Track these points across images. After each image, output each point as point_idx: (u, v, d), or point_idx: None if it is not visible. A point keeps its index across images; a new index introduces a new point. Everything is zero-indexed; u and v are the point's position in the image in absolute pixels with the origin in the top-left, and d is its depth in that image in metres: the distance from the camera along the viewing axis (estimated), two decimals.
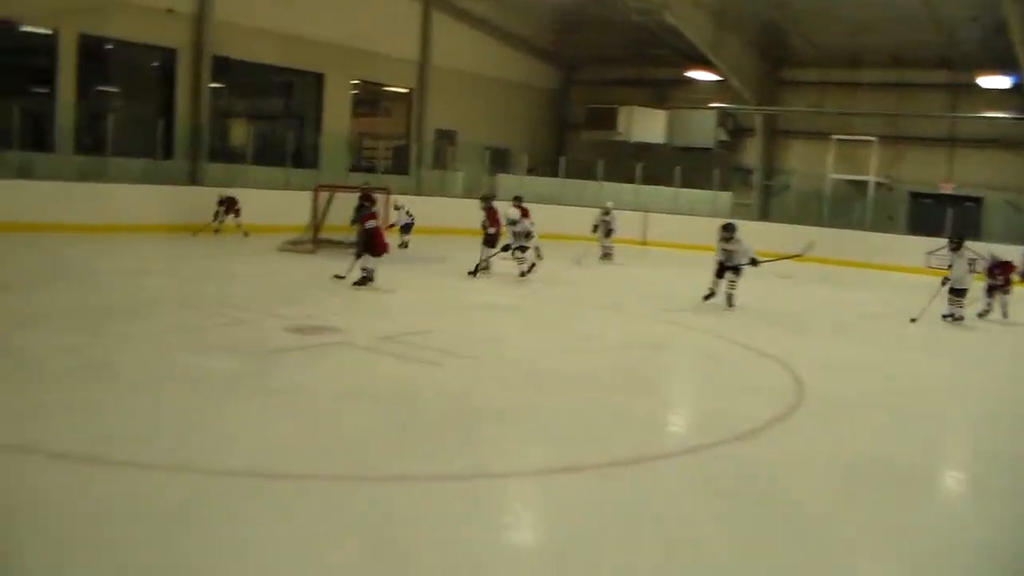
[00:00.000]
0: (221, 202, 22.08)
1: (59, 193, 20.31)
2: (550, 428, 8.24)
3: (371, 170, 29.61)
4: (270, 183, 24.66)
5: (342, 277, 15.10)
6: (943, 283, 16.14)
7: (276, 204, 23.18)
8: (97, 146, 23.01)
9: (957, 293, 16.00)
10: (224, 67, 26.25)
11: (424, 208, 24.19)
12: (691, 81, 34.08)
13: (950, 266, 16.26)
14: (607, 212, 23.49)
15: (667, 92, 35.42)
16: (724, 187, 30.86)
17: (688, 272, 19.86)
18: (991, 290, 17.04)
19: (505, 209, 18.12)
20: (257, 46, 26.44)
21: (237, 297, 13.61)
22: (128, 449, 6.72)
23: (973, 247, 17.83)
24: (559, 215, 26.44)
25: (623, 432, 8.27)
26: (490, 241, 18.45)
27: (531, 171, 31.74)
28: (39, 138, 22.12)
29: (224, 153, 26.93)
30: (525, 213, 18.12)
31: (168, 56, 25.12)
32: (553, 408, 8.86)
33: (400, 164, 31.92)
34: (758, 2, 28.77)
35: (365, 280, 15.03)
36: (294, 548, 5.37)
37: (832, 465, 7.72)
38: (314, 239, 19.68)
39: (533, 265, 17.86)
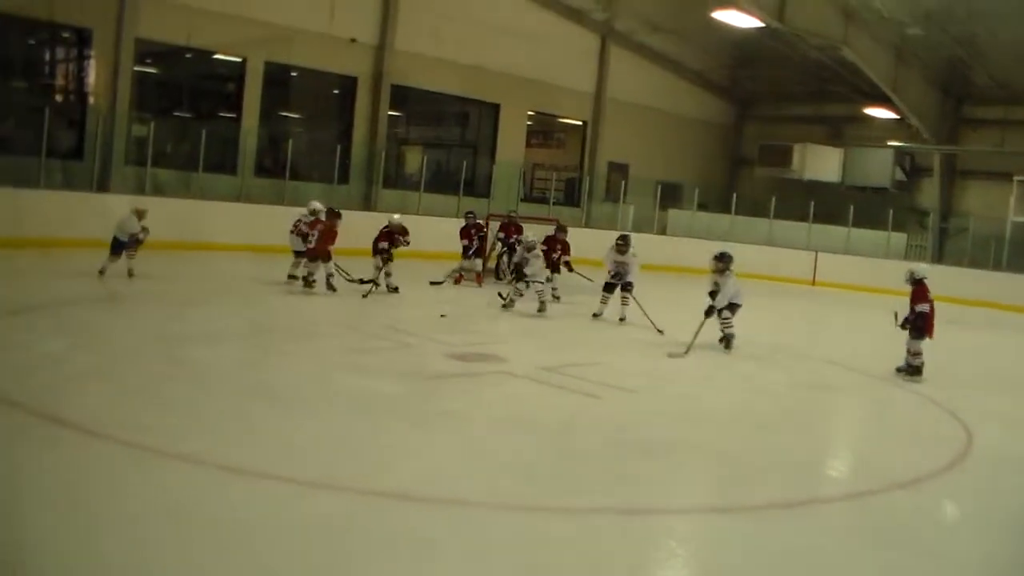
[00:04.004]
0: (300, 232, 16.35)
1: (237, 214, 21.03)
2: (706, 466, 8.19)
3: (542, 201, 29.84)
4: (442, 211, 25.04)
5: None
6: None
7: (447, 232, 23.39)
8: (277, 170, 23.89)
9: None
10: (402, 95, 27.02)
11: (594, 240, 23.46)
12: (868, 118, 33.23)
13: None
14: (531, 247, 16.50)
15: (843, 129, 34.69)
16: (898, 228, 30.00)
17: (857, 314, 19.35)
18: None
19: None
20: (435, 75, 27.05)
21: (402, 322, 13.85)
22: (286, 465, 6.95)
23: None
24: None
25: (781, 474, 8.13)
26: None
27: (702, 207, 31.45)
28: (224, 161, 22.97)
29: (398, 179, 27.58)
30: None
31: (348, 84, 25.92)
32: (710, 446, 8.79)
33: (571, 196, 32.05)
34: (941, 38, 27.95)
35: (308, 281, 15.59)
36: (438, 573, 5.45)
37: (1001, 522, 7.43)
38: (483, 267, 19.85)
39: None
